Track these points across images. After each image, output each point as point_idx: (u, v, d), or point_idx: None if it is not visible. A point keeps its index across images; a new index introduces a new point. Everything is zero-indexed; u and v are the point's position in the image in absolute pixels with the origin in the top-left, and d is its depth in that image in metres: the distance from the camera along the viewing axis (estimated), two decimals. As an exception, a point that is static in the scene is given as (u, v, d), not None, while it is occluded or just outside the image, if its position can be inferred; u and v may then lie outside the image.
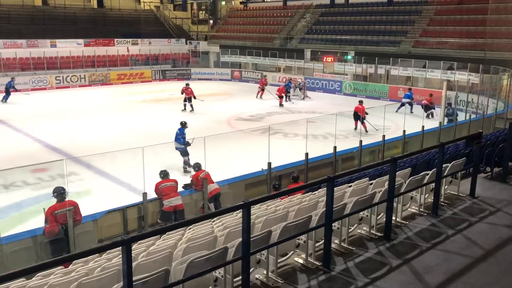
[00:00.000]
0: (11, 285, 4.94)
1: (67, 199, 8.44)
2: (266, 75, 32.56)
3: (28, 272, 3.57)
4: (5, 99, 26.52)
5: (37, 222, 8.67)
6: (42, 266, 3.57)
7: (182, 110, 23.95)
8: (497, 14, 27.78)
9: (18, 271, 3.36)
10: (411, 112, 22.78)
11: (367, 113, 18.86)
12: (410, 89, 25.62)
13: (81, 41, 37.18)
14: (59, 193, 8.41)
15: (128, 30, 40.51)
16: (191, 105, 24.08)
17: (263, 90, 28.89)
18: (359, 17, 35.84)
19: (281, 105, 25.97)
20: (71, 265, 5.85)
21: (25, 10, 38.17)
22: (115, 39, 38.91)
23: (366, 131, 18.80)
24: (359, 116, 19.30)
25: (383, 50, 31.66)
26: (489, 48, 26.53)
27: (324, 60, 34.51)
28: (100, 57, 36.76)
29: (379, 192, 6.30)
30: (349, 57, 33.37)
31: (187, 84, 24.84)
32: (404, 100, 23.68)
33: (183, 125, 14.37)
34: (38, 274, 5.42)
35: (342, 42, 34.59)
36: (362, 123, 18.94)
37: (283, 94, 26.55)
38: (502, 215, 6.97)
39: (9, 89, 26.73)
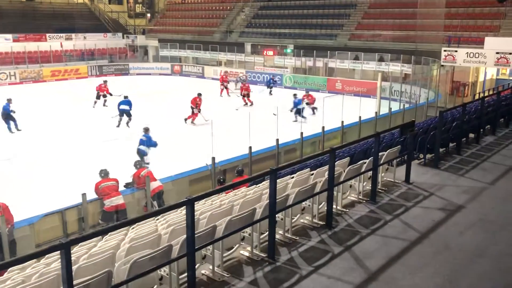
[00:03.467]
0: None
1: None
2: (226, 71, 31.80)
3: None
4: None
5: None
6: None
7: (93, 107, 23.69)
8: (425, 7, 29.17)
9: None
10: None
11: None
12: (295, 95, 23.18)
13: (9, 36, 35.16)
14: None
15: (60, 24, 38.76)
16: (105, 101, 23.77)
17: (226, 88, 28.22)
18: (297, 10, 36.39)
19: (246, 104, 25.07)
20: (6, 273, 5.56)
21: None
22: (47, 34, 37.13)
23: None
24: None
25: (321, 43, 32.37)
26: (419, 40, 27.84)
27: (265, 54, 34.77)
28: (31, 53, 34.94)
29: (320, 182, 6.46)
30: (289, 50, 33.83)
31: (105, 81, 24.48)
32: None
33: (147, 131, 14.57)
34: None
35: (281, 35, 35.01)
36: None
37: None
38: (435, 199, 7.37)
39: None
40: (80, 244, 5.91)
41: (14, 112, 19.46)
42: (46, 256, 5.74)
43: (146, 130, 14.54)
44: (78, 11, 42.67)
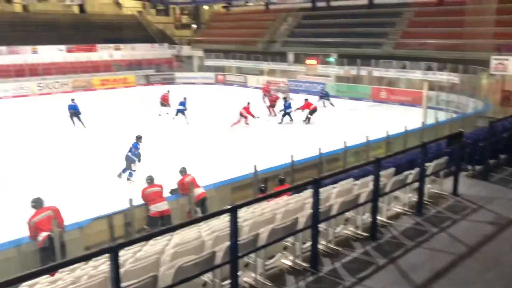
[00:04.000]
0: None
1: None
2: (268, 81, 31.68)
3: (13, 283, 3.52)
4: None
5: (22, 231, 8.56)
6: (27, 276, 3.53)
7: (159, 115, 24.38)
8: (474, 15, 28.30)
9: (2, 282, 3.33)
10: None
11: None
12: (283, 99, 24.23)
13: (63, 47, 36.87)
14: (37, 202, 8.39)
15: (110, 35, 40.29)
16: (166, 110, 24.40)
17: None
18: (340, 19, 36.15)
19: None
20: (57, 273, 5.79)
21: (4, 16, 37.71)
22: (98, 45, 38.68)
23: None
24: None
25: (365, 52, 31.99)
26: (467, 48, 27.00)
27: (307, 63, 34.70)
28: (82, 62, 36.48)
29: (364, 193, 6.37)
30: (332, 59, 33.62)
31: (168, 91, 25.27)
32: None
33: (138, 139, 14.64)
34: (23, 284, 5.35)
35: (324, 44, 34.85)
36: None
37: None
38: (484, 212, 7.10)
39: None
40: (126, 247, 6.08)
41: (80, 113, 21.72)
42: (94, 258, 5.93)
43: (138, 138, 14.61)
44: (127, 23, 44.22)
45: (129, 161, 14.13)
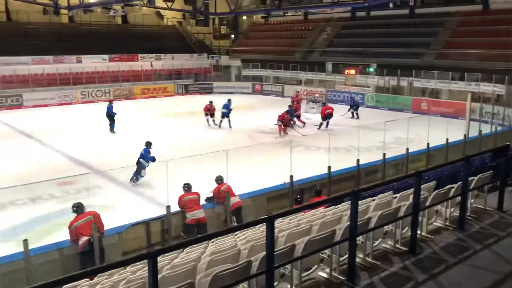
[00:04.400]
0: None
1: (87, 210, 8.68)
2: (298, 91, 31.31)
3: (55, 285, 3.63)
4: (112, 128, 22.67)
5: (64, 234, 8.83)
6: (68, 279, 3.63)
7: (209, 125, 24.08)
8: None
9: (45, 283, 3.43)
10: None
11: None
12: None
13: (105, 56, 38.00)
14: (78, 207, 8.64)
15: (151, 45, 41.21)
16: (214, 120, 24.14)
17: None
18: (380, 29, 35.69)
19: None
20: (96, 277, 5.91)
21: (52, 27, 39.24)
22: (139, 55, 39.65)
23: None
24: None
25: (406, 62, 31.39)
26: (514, 59, 26.09)
27: (346, 73, 34.39)
28: (124, 72, 37.45)
29: (403, 206, 6.22)
30: (371, 69, 33.16)
31: (211, 102, 24.64)
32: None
33: (148, 145, 14.83)
34: (64, 287, 5.49)
35: (364, 54, 34.46)
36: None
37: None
38: (532, 229, 6.79)
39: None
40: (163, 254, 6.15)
41: (115, 114, 22.18)
42: (131, 264, 6.03)
43: (147, 144, 14.79)
44: (167, 33, 45.14)
45: (141, 166, 14.41)
